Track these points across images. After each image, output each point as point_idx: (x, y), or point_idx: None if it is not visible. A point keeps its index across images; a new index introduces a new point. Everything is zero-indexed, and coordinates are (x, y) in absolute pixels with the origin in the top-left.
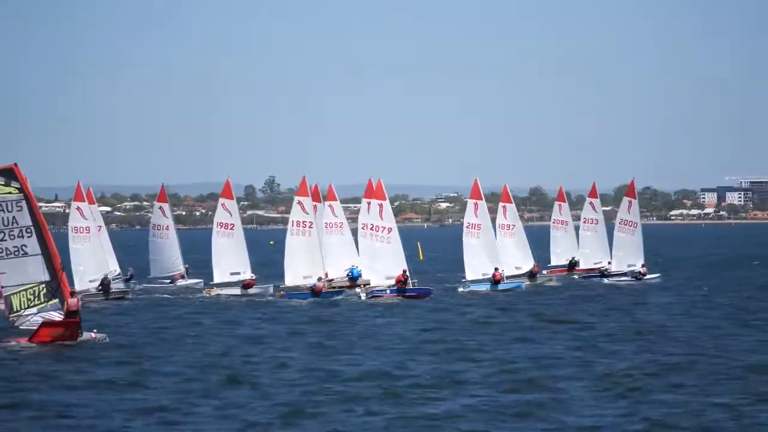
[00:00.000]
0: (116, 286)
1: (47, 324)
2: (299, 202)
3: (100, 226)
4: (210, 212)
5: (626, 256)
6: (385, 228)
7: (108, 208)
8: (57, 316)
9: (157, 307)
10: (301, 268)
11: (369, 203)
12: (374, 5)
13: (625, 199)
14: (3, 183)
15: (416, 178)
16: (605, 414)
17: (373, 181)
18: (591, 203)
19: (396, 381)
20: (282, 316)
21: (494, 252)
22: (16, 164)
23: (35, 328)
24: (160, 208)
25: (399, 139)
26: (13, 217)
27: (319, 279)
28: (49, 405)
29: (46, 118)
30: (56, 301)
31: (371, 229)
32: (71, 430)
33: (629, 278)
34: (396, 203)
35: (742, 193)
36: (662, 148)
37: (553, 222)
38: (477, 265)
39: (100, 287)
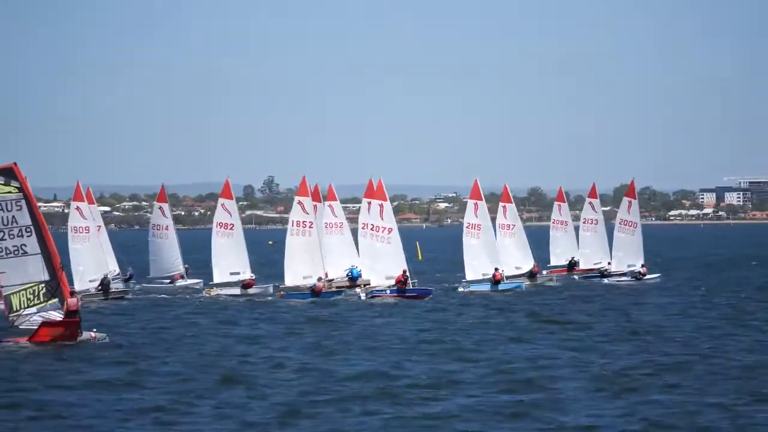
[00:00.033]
0: (116, 286)
1: (47, 324)
2: (299, 202)
3: (100, 226)
4: (209, 212)
5: (626, 257)
6: (385, 228)
7: (107, 208)
8: (57, 315)
9: (157, 307)
10: (301, 268)
11: (369, 203)
12: (374, 5)
13: (625, 200)
14: (2, 182)
15: (415, 178)
16: (602, 414)
17: (373, 181)
18: (591, 203)
19: (393, 381)
20: (279, 316)
21: (494, 252)
22: (15, 163)
23: (35, 327)
24: (160, 208)
25: (399, 139)
26: (13, 217)
27: (319, 279)
28: (47, 405)
29: (46, 118)
30: (56, 300)
31: (371, 229)
32: (69, 430)
33: (629, 278)
34: (395, 203)
35: (741, 193)
36: (661, 149)
37: (553, 222)
38: (477, 266)
39: (100, 287)
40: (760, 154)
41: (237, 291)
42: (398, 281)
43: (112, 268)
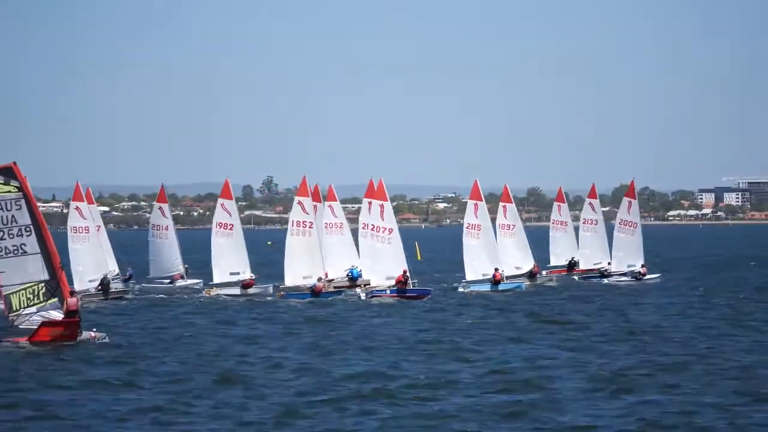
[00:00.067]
0: (115, 286)
1: (47, 323)
2: (299, 203)
3: (99, 226)
4: (208, 212)
5: (626, 257)
6: (385, 228)
7: (105, 208)
8: (57, 315)
9: (156, 307)
10: (301, 269)
11: (370, 203)
12: (374, 5)
13: (625, 200)
14: (2, 182)
15: (414, 178)
16: (600, 414)
17: (374, 181)
18: (590, 204)
19: (391, 381)
20: (278, 316)
21: (494, 252)
22: (15, 163)
23: (35, 327)
24: (160, 208)
25: (399, 139)
26: (12, 216)
27: (319, 279)
28: (46, 405)
29: (46, 118)
30: (55, 300)
31: (372, 229)
32: (67, 430)
33: (629, 278)
34: (394, 203)
35: (740, 193)
36: (660, 149)
37: (553, 222)
38: (477, 266)
39: (100, 287)
40: (759, 154)
41: (237, 291)
42: (398, 281)
43: (112, 268)
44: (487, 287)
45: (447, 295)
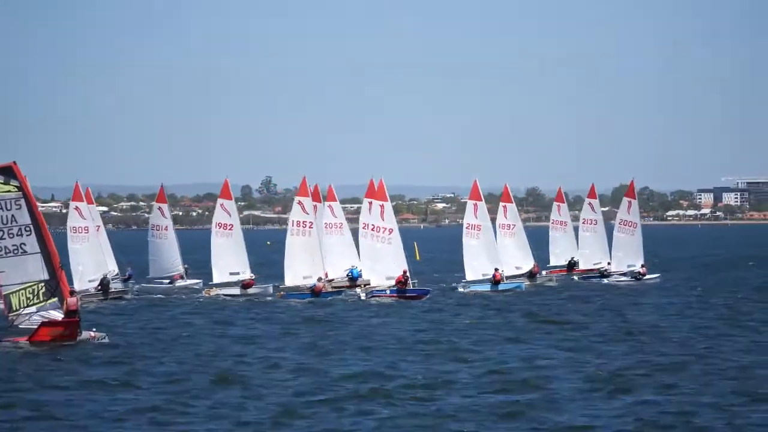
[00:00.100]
0: (115, 286)
1: (47, 323)
2: (299, 203)
3: (99, 226)
4: (207, 212)
5: (626, 257)
6: (386, 229)
7: (105, 208)
8: (56, 314)
9: (155, 308)
10: (301, 269)
11: (370, 203)
12: (374, 5)
13: (625, 200)
14: (2, 181)
15: (413, 178)
16: (597, 414)
17: (375, 181)
18: (590, 204)
19: (388, 381)
20: (276, 316)
21: (494, 252)
22: (15, 162)
23: (35, 327)
24: (159, 208)
25: (399, 139)
26: (12, 216)
27: (319, 279)
28: (43, 405)
29: (46, 117)
30: (55, 299)
31: (372, 229)
32: (65, 430)
33: (629, 278)
34: (393, 203)
35: (739, 193)
36: (659, 149)
37: (552, 222)
38: (477, 266)
39: (99, 287)
40: (758, 154)
41: (237, 291)
42: (398, 281)
43: (111, 268)
44: (487, 287)
45: (445, 295)
